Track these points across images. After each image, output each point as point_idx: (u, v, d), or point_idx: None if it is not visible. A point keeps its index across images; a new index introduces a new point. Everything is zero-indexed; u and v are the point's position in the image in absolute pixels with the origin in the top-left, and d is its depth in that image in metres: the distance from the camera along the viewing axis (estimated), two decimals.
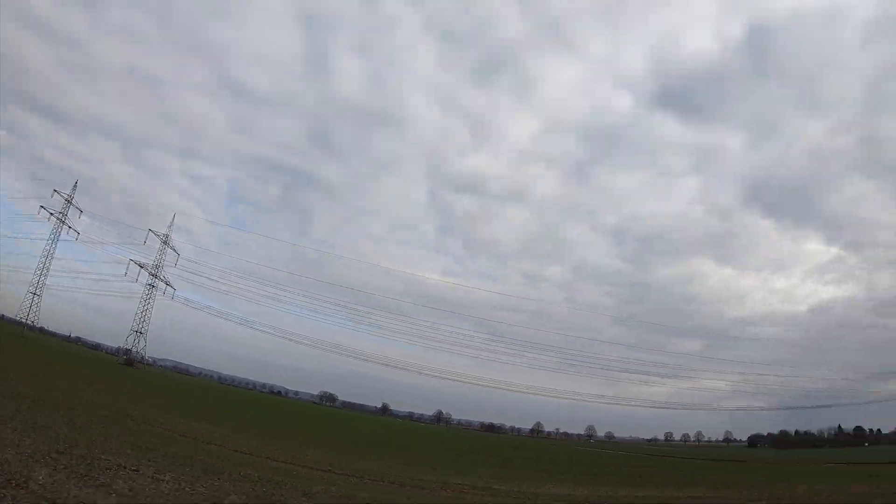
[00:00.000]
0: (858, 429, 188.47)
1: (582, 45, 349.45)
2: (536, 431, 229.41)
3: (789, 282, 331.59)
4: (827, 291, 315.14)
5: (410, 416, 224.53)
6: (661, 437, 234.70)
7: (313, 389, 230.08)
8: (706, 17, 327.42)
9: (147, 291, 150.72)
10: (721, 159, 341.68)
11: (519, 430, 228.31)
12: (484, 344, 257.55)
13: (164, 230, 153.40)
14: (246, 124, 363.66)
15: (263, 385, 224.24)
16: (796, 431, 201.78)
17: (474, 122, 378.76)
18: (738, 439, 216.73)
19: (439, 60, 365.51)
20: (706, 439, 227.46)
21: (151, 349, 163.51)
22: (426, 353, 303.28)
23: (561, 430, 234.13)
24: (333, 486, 18.97)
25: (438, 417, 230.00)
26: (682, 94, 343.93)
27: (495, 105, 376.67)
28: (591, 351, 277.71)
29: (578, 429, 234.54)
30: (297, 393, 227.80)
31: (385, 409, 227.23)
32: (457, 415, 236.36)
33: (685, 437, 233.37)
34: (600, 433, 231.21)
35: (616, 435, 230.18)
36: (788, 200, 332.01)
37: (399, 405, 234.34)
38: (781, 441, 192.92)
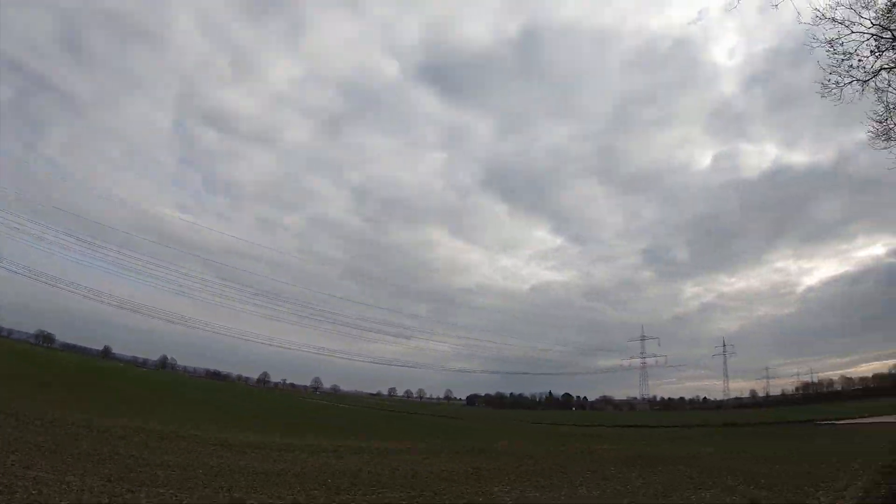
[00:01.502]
0: (567, 395, 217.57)
1: (364, 5, 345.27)
2: (263, 381, 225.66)
3: (515, 261, 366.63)
4: (548, 275, 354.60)
5: (135, 361, 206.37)
6: (386, 391, 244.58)
7: (29, 328, 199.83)
8: (487, 9, 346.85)
9: None
10: (470, 141, 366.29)
11: (246, 378, 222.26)
12: (215, 288, 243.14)
13: None
14: None
15: None
16: (511, 394, 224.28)
17: (238, 56, 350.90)
18: (458, 398, 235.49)
19: None
20: (428, 396, 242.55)
21: None
22: (155, 293, 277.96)
23: (288, 381, 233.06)
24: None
25: (164, 363, 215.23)
26: (447, 74, 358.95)
27: (263, 43, 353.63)
28: (323, 304, 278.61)
29: (305, 380, 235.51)
30: (10, 332, 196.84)
31: (107, 352, 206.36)
32: (183, 361, 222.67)
33: (408, 392, 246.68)
34: (326, 385, 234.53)
35: (342, 388, 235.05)
36: (525, 190, 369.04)
37: (123, 348, 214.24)
38: (496, 401, 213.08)
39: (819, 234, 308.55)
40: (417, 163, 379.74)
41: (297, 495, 13.54)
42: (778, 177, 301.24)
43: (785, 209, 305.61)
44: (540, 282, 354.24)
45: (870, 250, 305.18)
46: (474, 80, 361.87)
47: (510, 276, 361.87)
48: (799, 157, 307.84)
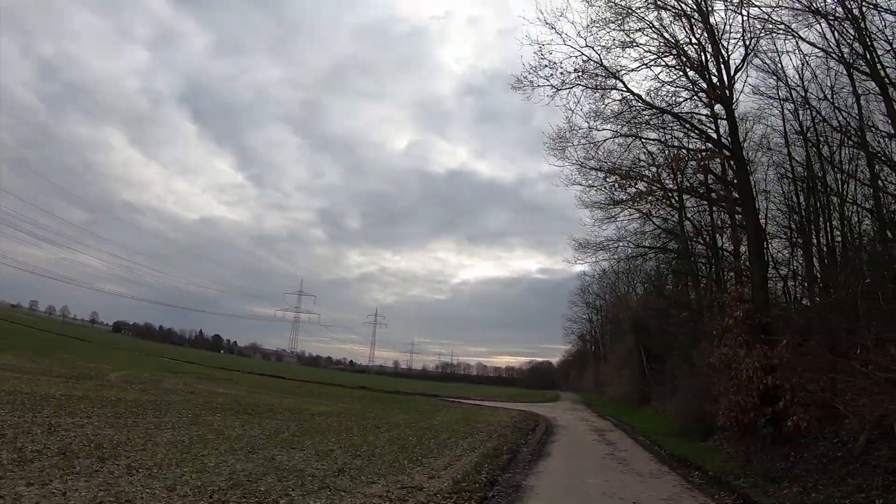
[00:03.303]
0: (217, 336, 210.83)
1: None
2: None
3: (190, 188, 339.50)
4: (220, 209, 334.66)
5: None
6: (27, 304, 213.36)
7: None
8: None
9: None
10: (180, 50, 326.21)
11: None
12: None
13: None
14: None
15: None
16: (161, 326, 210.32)
17: None
18: (105, 322, 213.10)
19: None
20: (72, 316, 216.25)
21: None
22: None
23: None
24: None
25: None
26: None
27: None
28: None
29: None
30: None
31: None
32: None
33: (51, 308, 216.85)
34: None
35: None
36: (220, 117, 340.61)
37: None
38: (145, 332, 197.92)
39: (483, 238, 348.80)
40: (118, 55, 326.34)
41: None
42: (461, 179, 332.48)
43: (459, 208, 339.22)
44: (210, 215, 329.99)
45: (524, 263, 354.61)
46: None
47: (181, 202, 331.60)
48: (484, 168, 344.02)
